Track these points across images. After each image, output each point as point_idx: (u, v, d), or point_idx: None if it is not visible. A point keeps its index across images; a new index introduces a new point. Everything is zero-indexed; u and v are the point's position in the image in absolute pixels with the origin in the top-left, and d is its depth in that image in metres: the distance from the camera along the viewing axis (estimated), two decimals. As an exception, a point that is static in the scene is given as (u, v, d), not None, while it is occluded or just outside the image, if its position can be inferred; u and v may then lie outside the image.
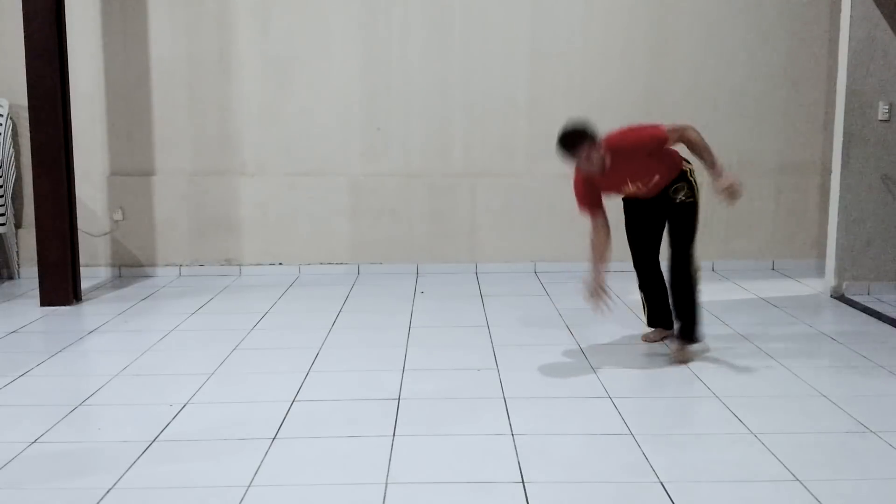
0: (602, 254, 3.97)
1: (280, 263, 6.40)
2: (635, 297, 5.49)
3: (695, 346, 4.12)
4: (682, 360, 4.05)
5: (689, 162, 4.11)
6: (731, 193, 3.86)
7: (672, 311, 4.14)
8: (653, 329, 4.43)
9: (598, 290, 3.92)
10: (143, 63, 6.18)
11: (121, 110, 6.22)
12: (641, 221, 4.21)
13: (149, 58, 6.18)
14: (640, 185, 3.99)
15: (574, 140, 3.79)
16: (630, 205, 4.23)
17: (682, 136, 3.91)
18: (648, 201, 4.11)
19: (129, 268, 6.36)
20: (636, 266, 4.30)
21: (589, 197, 4.00)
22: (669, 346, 4.21)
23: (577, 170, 3.95)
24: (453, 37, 6.24)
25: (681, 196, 4.03)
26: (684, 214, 4.04)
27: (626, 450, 3.04)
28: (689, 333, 4.07)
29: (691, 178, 4.07)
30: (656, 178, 3.97)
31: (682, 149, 4.04)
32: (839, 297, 5.47)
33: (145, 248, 6.35)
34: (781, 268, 6.46)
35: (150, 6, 6.13)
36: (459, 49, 6.24)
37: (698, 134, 3.91)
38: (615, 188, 4.04)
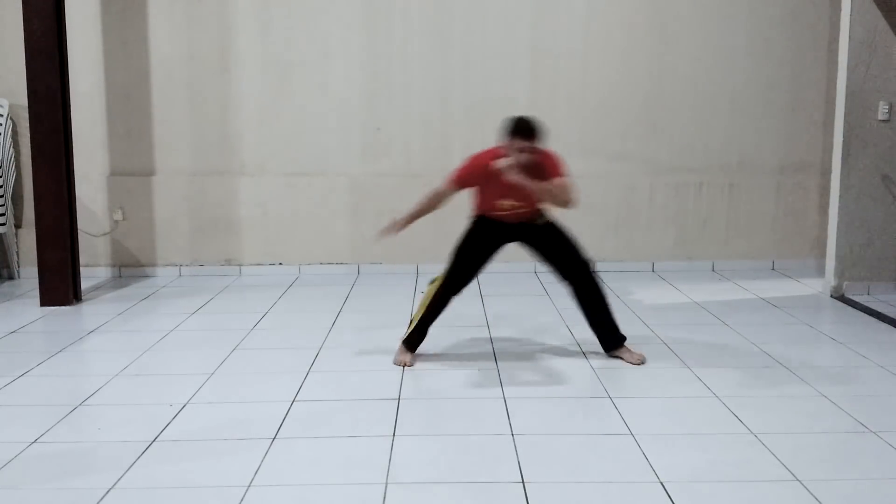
0: (426, 210, 4.07)
1: (280, 263, 6.40)
2: (636, 297, 5.52)
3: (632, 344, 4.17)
4: (639, 360, 4.05)
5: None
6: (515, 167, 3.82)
7: (596, 326, 4.12)
8: (411, 352, 4.16)
9: (397, 225, 4.07)
10: (143, 63, 6.18)
11: (121, 110, 6.23)
12: (487, 245, 4.12)
13: (149, 58, 6.18)
14: (517, 203, 3.94)
15: (535, 130, 3.80)
16: (487, 228, 4.10)
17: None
18: (506, 228, 4.06)
19: (129, 268, 6.37)
20: (453, 292, 4.11)
21: (468, 181, 3.97)
22: (625, 357, 4.10)
23: (490, 155, 3.88)
24: (453, 37, 6.24)
25: (538, 220, 4.07)
26: (550, 232, 4.08)
27: (626, 450, 3.04)
28: (617, 337, 4.11)
29: (545, 212, 4.09)
30: (529, 208, 3.98)
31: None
32: (839, 297, 5.47)
33: (145, 248, 6.35)
34: (781, 268, 6.46)
35: (150, 6, 6.14)
36: (460, 49, 6.24)
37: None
38: (502, 195, 3.92)
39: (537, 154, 3.84)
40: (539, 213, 4.07)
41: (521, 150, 3.78)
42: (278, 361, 4.15)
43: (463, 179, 3.99)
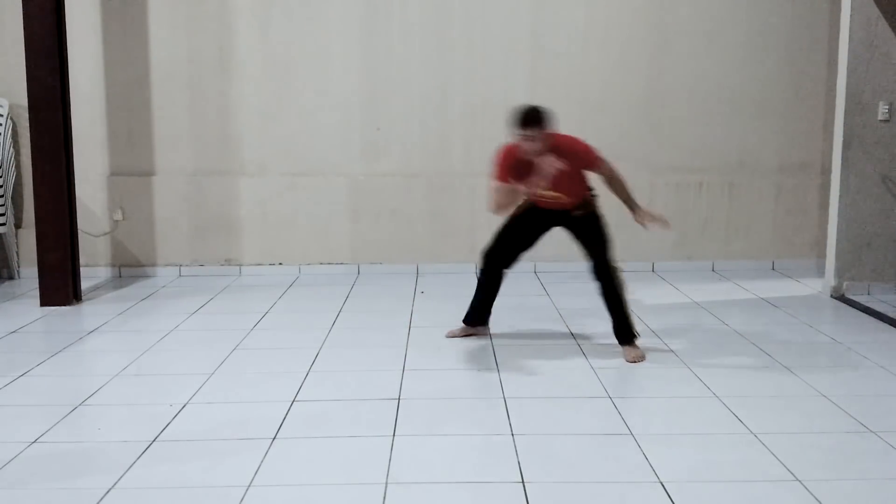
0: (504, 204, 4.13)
1: (280, 263, 6.40)
2: (636, 297, 5.51)
3: (639, 343, 4.22)
4: (636, 359, 4.11)
5: (592, 191, 4.29)
6: (656, 219, 4.18)
7: (612, 319, 4.25)
8: (463, 326, 4.59)
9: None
10: (143, 63, 6.18)
11: (121, 110, 6.23)
12: (527, 227, 4.34)
13: (149, 58, 6.18)
14: (553, 192, 4.12)
15: (534, 118, 3.95)
16: (529, 210, 4.31)
17: (610, 170, 4.19)
18: (546, 213, 4.27)
19: (129, 268, 6.37)
20: (488, 263, 4.43)
21: (506, 173, 4.09)
22: (622, 352, 4.21)
23: (513, 146, 4.06)
24: (453, 36, 6.23)
25: (577, 212, 4.22)
26: (586, 224, 4.23)
27: (626, 450, 3.04)
28: (626, 334, 4.20)
29: (591, 204, 4.26)
30: (566, 199, 4.17)
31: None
32: (839, 297, 5.47)
33: (145, 248, 6.35)
34: (781, 268, 6.46)
35: (150, 6, 6.14)
36: (460, 49, 6.24)
37: (621, 175, 4.19)
38: (534, 182, 4.09)
39: (551, 140, 3.99)
40: (579, 205, 4.21)
41: (526, 139, 3.94)
42: (278, 361, 4.15)
43: (502, 174, 4.11)
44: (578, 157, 4.09)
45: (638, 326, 4.72)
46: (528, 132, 3.93)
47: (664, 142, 6.37)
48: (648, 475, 2.83)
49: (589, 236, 4.23)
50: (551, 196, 4.12)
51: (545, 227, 4.34)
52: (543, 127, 3.96)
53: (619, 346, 4.24)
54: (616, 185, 4.20)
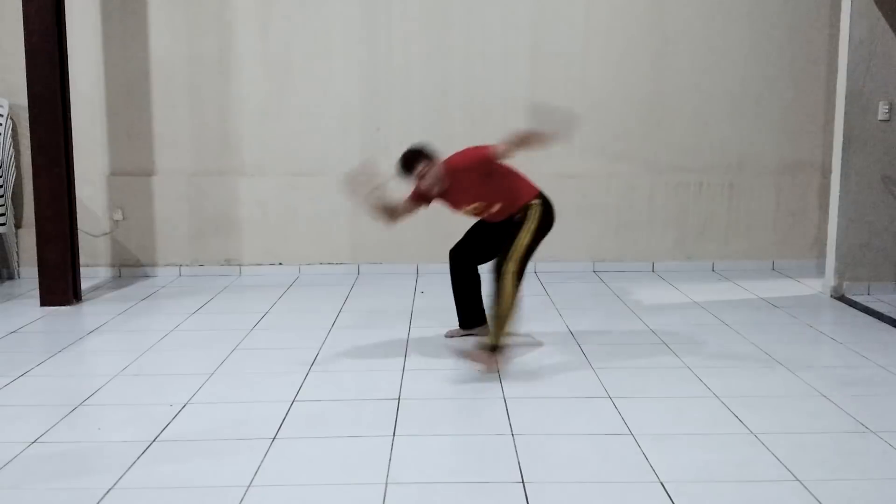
0: (393, 218, 4.23)
1: (280, 263, 6.40)
2: (636, 297, 5.52)
3: (499, 356, 3.94)
4: (478, 361, 3.93)
5: (541, 199, 4.13)
6: (567, 124, 4.22)
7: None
8: (458, 328, 4.59)
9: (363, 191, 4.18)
10: (143, 63, 6.18)
11: (121, 110, 6.23)
12: (487, 232, 4.30)
13: (149, 58, 6.18)
14: (479, 205, 4.12)
15: (413, 159, 4.07)
16: (482, 223, 4.36)
17: (504, 147, 3.90)
18: (495, 226, 4.21)
19: (129, 268, 6.37)
20: (453, 261, 4.43)
21: (419, 201, 4.24)
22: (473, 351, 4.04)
23: (417, 186, 4.16)
24: (453, 36, 6.23)
25: (517, 216, 4.08)
26: (512, 227, 4.04)
27: (626, 450, 3.04)
28: (490, 341, 3.95)
29: (526, 212, 4.07)
30: (498, 205, 4.10)
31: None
32: (839, 297, 5.47)
33: (145, 248, 6.35)
34: (781, 268, 6.46)
35: (150, 6, 6.14)
36: (459, 49, 6.24)
37: (517, 136, 3.89)
38: (454, 204, 4.19)
39: (446, 165, 4.03)
40: (519, 209, 4.08)
41: (421, 175, 4.05)
42: (278, 361, 4.15)
43: (414, 199, 4.26)
44: (474, 162, 3.98)
45: (639, 326, 4.74)
46: (418, 171, 4.04)
47: (664, 142, 6.37)
48: (648, 475, 2.83)
49: (507, 237, 4.02)
50: (473, 208, 4.14)
51: (501, 236, 4.11)
52: (426, 159, 4.05)
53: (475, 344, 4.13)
54: (524, 145, 3.87)
